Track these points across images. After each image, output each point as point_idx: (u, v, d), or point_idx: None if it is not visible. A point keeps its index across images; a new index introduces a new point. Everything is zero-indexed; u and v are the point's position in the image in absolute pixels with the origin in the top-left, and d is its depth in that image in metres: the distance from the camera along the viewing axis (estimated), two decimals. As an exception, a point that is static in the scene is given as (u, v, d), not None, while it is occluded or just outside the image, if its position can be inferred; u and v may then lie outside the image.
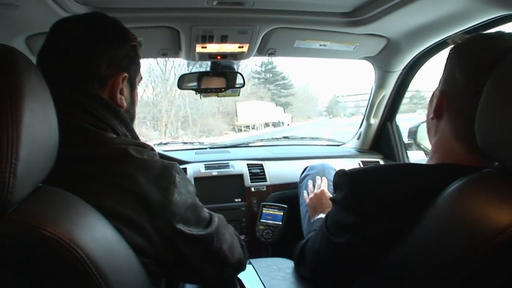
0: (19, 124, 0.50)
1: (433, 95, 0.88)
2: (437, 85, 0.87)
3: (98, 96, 0.82)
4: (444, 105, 0.81)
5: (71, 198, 0.63)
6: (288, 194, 1.93)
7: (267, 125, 23.67)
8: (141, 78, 0.98)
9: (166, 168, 0.79)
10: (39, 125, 0.56)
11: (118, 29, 0.89)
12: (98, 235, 0.62)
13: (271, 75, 33.37)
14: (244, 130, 20.92)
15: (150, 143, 1.15)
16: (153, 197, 0.74)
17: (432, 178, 0.74)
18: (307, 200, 1.48)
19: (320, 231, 0.91)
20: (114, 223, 0.68)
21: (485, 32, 0.87)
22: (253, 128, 22.00)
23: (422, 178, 0.76)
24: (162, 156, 0.87)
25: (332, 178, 1.58)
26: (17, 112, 0.50)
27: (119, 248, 0.67)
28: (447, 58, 0.84)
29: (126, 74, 0.87)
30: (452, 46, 0.83)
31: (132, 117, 0.94)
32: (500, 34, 0.79)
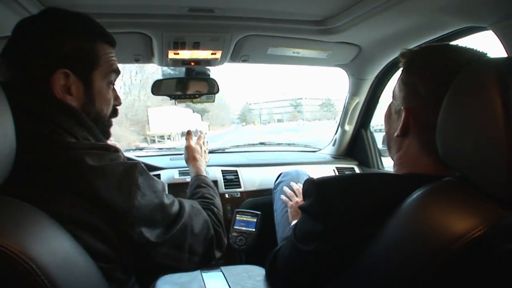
0: None
1: (390, 111, 0.88)
2: (392, 100, 0.87)
3: (46, 95, 0.77)
4: (410, 121, 0.80)
5: (27, 208, 0.61)
6: (262, 200, 1.92)
7: (183, 134, 21.89)
8: (110, 72, 0.89)
9: (127, 171, 0.76)
10: None
11: (67, 23, 0.82)
12: (53, 246, 0.61)
13: (186, 77, 30.76)
14: (159, 141, 17.96)
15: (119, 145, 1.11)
16: (114, 202, 0.72)
17: (399, 187, 0.73)
18: (291, 203, 1.46)
19: (290, 240, 0.91)
20: (74, 230, 0.67)
21: (436, 44, 0.87)
22: (168, 139, 19.30)
23: (390, 187, 0.76)
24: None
25: None
26: None
27: (77, 259, 0.65)
28: (403, 73, 0.83)
29: (67, 71, 0.79)
30: (404, 61, 0.83)
31: (96, 118, 0.87)
32: (457, 47, 0.80)
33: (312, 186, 0.82)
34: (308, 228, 0.82)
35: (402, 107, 0.81)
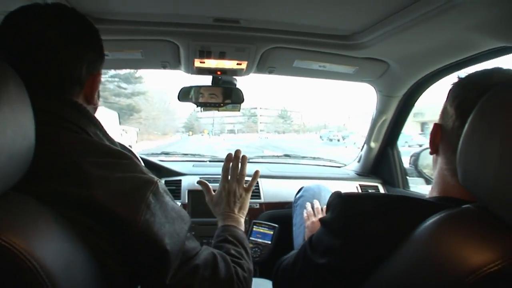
0: None
1: None
2: None
3: (67, 100, 0.75)
4: (438, 137, 0.80)
5: (37, 207, 0.62)
6: (281, 213, 1.91)
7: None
8: None
9: (138, 188, 0.70)
10: (11, 133, 0.56)
11: (95, 31, 0.82)
12: (58, 247, 0.61)
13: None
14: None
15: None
16: (119, 212, 0.67)
17: (423, 212, 0.69)
18: (308, 222, 1.44)
19: (302, 248, 0.89)
20: (78, 230, 0.65)
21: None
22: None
23: (415, 212, 0.72)
24: (154, 165, 0.78)
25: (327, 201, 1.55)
26: None
27: (80, 263, 0.65)
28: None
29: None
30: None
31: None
32: (491, 70, 0.78)
33: (337, 200, 0.80)
34: (325, 241, 0.80)
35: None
